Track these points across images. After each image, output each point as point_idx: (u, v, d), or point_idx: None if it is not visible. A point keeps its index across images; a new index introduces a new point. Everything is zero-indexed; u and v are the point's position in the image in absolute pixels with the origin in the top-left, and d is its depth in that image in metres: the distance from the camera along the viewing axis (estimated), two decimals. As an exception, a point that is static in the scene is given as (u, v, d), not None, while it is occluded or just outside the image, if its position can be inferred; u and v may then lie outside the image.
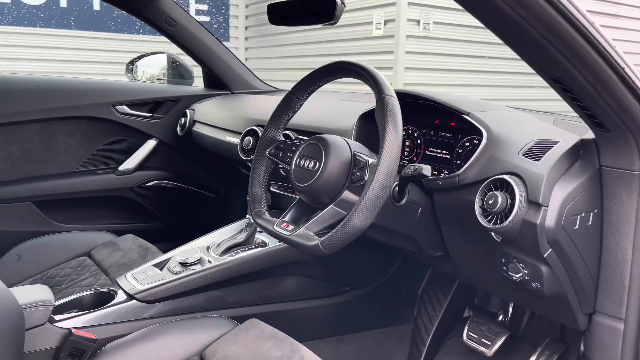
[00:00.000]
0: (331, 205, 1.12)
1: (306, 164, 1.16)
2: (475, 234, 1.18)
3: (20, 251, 1.79)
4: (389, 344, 1.75)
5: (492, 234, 1.11)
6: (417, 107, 1.38)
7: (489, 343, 1.53)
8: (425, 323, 1.75)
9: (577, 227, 1.06)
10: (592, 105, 1.00)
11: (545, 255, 1.05)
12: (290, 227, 1.15)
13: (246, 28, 7.19)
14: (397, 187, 1.18)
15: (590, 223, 1.08)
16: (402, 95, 1.38)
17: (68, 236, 1.92)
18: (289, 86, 1.30)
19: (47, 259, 1.76)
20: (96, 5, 5.91)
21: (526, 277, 1.11)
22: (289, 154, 1.24)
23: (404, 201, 1.20)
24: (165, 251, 1.62)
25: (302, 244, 1.08)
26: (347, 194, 1.12)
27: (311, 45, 6.15)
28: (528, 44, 0.91)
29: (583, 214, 1.07)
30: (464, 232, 1.24)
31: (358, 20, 5.57)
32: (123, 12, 2.05)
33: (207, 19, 6.88)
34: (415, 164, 1.10)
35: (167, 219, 2.33)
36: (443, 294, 1.75)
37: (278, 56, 6.70)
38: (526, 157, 1.09)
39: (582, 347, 1.24)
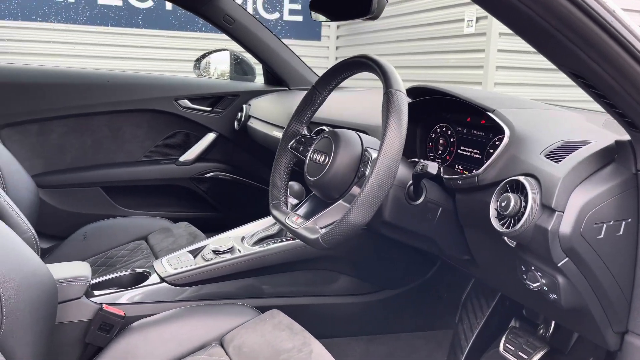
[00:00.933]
0: (340, 201, 1.11)
1: (318, 158, 1.16)
2: (494, 238, 1.11)
3: (86, 232, 1.96)
4: (425, 349, 1.69)
5: (505, 238, 1.04)
6: (449, 104, 1.32)
7: (526, 357, 1.43)
8: (465, 331, 1.67)
9: (602, 236, 0.97)
10: (620, 102, 0.90)
11: (559, 265, 0.97)
12: (300, 220, 1.15)
13: (337, 27, 7.22)
14: (411, 186, 1.14)
15: (621, 233, 0.98)
16: (428, 91, 1.33)
17: (129, 220, 2.06)
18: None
19: (109, 240, 1.91)
20: (161, 4, 6.26)
21: (544, 287, 1.03)
22: (308, 148, 1.25)
23: (420, 200, 1.16)
24: None
25: (305, 237, 1.08)
26: (355, 189, 1.11)
27: (401, 44, 6.07)
28: (539, 35, 0.85)
29: (611, 222, 0.97)
30: (485, 236, 1.17)
31: (449, 18, 5.41)
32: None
33: (299, 18, 7.01)
34: (423, 162, 1.06)
35: (222, 209, 2.42)
36: (486, 302, 1.66)
37: (368, 54, 6.66)
38: (548, 157, 1.01)
39: None
